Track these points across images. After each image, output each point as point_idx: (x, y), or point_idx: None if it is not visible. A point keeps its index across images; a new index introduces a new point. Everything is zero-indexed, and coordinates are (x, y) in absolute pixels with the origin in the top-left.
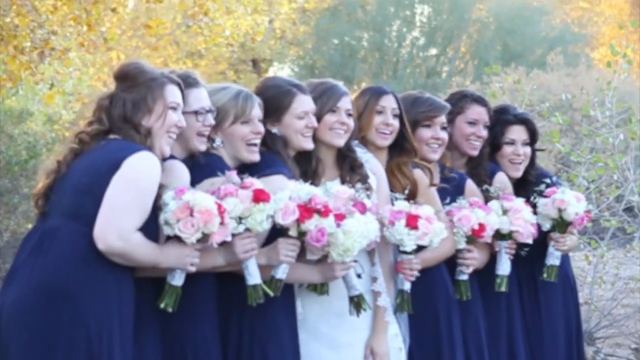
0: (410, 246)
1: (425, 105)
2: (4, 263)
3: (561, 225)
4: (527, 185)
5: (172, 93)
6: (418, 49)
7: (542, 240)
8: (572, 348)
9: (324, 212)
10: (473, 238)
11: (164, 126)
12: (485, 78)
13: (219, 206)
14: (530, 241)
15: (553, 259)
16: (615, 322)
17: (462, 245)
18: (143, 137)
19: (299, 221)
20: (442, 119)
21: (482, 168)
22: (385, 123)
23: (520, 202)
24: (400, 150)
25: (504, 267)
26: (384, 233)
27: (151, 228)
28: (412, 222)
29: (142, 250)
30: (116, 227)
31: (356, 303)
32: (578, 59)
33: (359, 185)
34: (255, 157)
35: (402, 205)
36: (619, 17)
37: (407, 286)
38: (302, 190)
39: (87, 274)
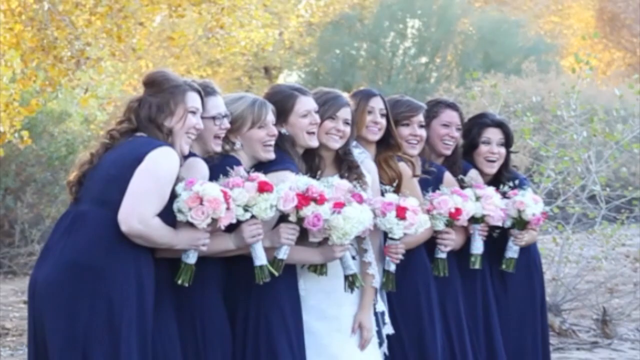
0: (398, 234)
1: (403, 107)
2: None
3: (520, 223)
4: (500, 184)
5: (192, 99)
6: (409, 57)
7: (504, 234)
8: (536, 318)
9: (319, 200)
10: (451, 221)
11: (183, 127)
12: (469, 83)
13: (225, 194)
14: (500, 224)
15: (512, 252)
16: (579, 296)
17: (441, 227)
18: (165, 136)
19: (297, 208)
20: (419, 118)
21: (456, 166)
22: (374, 121)
23: (491, 189)
24: (387, 145)
25: (478, 246)
26: (375, 221)
27: (169, 214)
28: (401, 213)
29: (160, 233)
30: (137, 212)
31: (351, 281)
32: (549, 67)
33: (355, 182)
34: (271, 155)
35: (392, 197)
36: (585, 29)
37: (392, 267)
38: (301, 181)
39: (110, 253)
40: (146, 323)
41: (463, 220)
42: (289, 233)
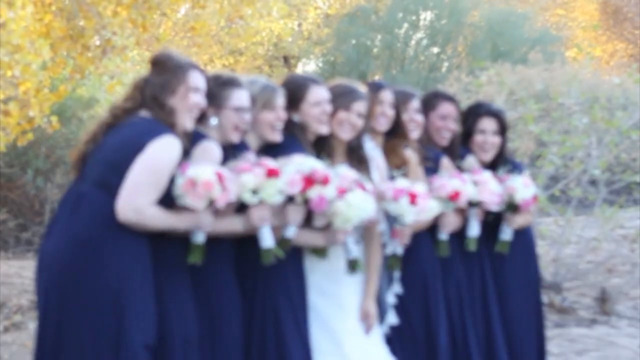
0: (409, 220)
1: (398, 95)
2: None
3: (511, 207)
4: (495, 171)
5: (195, 77)
6: (422, 48)
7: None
8: (532, 299)
9: (323, 182)
10: (451, 203)
11: (186, 106)
12: (478, 72)
13: (219, 175)
14: (495, 208)
15: (505, 235)
16: (579, 276)
17: (446, 209)
18: (167, 115)
19: (302, 190)
20: (414, 104)
21: (454, 155)
22: (383, 113)
23: (487, 175)
24: (395, 134)
25: (474, 230)
26: (383, 206)
27: (171, 197)
28: (413, 200)
29: (157, 221)
30: (133, 203)
31: (352, 266)
32: (555, 57)
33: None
34: (278, 137)
35: (403, 183)
36: (590, 22)
37: (399, 250)
38: (306, 164)
39: (109, 232)
40: (148, 300)
41: (463, 202)
42: (295, 213)
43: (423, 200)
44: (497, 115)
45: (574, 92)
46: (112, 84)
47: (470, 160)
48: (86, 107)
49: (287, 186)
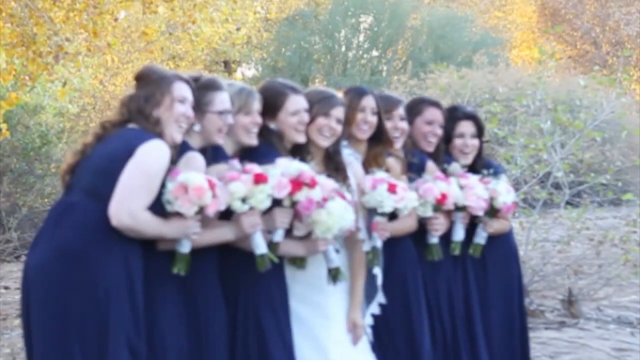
0: (388, 207)
1: (384, 101)
2: (22, 233)
3: (491, 210)
4: (475, 173)
5: (180, 88)
6: (363, 51)
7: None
8: (514, 303)
9: (311, 185)
10: (438, 206)
11: (172, 116)
12: (422, 75)
13: (209, 181)
14: (481, 213)
15: (480, 238)
16: (545, 278)
17: (430, 213)
18: (153, 126)
19: (290, 193)
20: (400, 111)
21: (439, 162)
22: (365, 120)
23: (474, 179)
24: (378, 141)
25: (459, 234)
26: (363, 199)
27: (159, 206)
28: (392, 188)
29: (149, 226)
30: (127, 207)
31: (333, 275)
32: (498, 59)
33: (340, 183)
34: (253, 141)
35: (382, 174)
36: (528, 24)
37: (379, 243)
38: (292, 167)
39: (97, 243)
40: (137, 313)
41: (449, 204)
42: (283, 216)
43: (402, 190)
44: (473, 118)
45: (539, 94)
46: (63, 90)
47: (455, 166)
48: (32, 114)
49: (275, 190)
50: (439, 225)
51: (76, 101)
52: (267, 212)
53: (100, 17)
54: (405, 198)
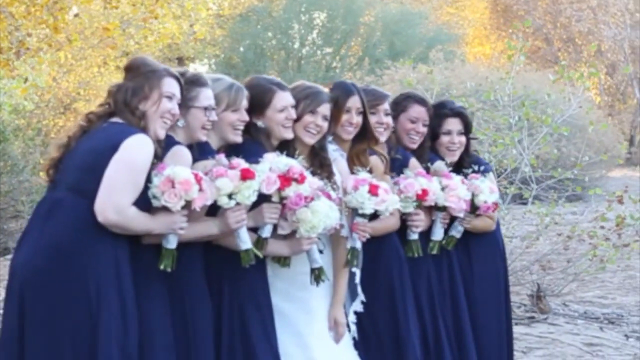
0: (368, 209)
1: (369, 95)
2: None
3: (472, 207)
4: (462, 170)
5: (169, 84)
6: (317, 47)
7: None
8: (500, 297)
9: (300, 180)
10: (419, 202)
11: (157, 112)
12: (378, 71)
13: (196, 175)
14: (461, 215)
15: (455, 231)
16: (513, 274)
17: (411, 209)
18: (138, 120)
19: (279, 189)
20: (385, 106)
21: (423, 160)
22: (350, 121)
23: (457, 180)
24: (362, 138)
25: (438, 233)
26: (344, 199)
27: (145, 201)
28: (373, 190)
29: (136, 222)
30: (113, 203)
31: (317, 275)
32: (454, 56)
33: (326, 180)
34: (239, 139)
35: (365, 175)
36: (480, 20)
37: (358, 244)
38: (281, 162)
39: (86, 239)
40: (126, 310)
41: (431, 199)
42: (271, 212)
43: (384, 192)
44: (461, 115)
45: (508, 89)
46: (24, 87)
47: (439, 164)
48: None
49: (263, 185)
50: (419, 222)
51: (31, 98)
52: (254, 206)
53: (61, 12)
54: (386, 200)
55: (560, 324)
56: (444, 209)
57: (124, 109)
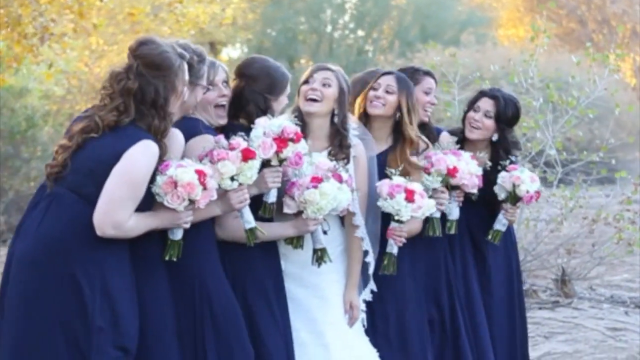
0: (405, 216)
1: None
2: (10, 217)
3: (513, 198)
4: (499, 162)
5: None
6: (349, 31)
7: (494, 207)
8: (513, 287)
9: (296, 139)
10: (447, 178)
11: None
12: (409, 55)
13: (200, 174)
14: (475, 191)
15: (500, 225)
16: (538, 258)
17: (437, 184)
18: (165, 121)
19: (277, 152)
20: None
21: (430, 131)
22: (377, 95)
23: (467, 156)
24: (403, 139)
25: (454, 213)
26: (378, 203)
27: (148, 195)
28: (410, 196)
29: (136, 229)
30: (112, 219)
31: (319, 256)
32: (485, 38)
33: (340, 162)
34: (222, 120)
35: (399, 180)
36: (513, 2)
37: (395, 250)
38: (273, 124)
39: (82, 235)
40: (123, 300)
41: (459, 178)
42: (273, 176)
43: (420, 197)
44: (495, 98)
45: (531, 72)
46: (49, 72)
47: (445, 136)
48: (18, 97)
49: (260, 151)
50: (443, 199)
51: (62, 84)
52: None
53: None
54: (422, 206)
55: (585, 309)
56: (457, 187)
57: (150, 111)
